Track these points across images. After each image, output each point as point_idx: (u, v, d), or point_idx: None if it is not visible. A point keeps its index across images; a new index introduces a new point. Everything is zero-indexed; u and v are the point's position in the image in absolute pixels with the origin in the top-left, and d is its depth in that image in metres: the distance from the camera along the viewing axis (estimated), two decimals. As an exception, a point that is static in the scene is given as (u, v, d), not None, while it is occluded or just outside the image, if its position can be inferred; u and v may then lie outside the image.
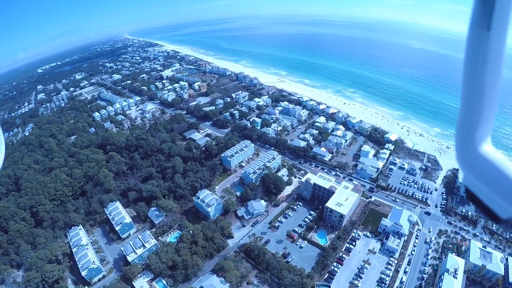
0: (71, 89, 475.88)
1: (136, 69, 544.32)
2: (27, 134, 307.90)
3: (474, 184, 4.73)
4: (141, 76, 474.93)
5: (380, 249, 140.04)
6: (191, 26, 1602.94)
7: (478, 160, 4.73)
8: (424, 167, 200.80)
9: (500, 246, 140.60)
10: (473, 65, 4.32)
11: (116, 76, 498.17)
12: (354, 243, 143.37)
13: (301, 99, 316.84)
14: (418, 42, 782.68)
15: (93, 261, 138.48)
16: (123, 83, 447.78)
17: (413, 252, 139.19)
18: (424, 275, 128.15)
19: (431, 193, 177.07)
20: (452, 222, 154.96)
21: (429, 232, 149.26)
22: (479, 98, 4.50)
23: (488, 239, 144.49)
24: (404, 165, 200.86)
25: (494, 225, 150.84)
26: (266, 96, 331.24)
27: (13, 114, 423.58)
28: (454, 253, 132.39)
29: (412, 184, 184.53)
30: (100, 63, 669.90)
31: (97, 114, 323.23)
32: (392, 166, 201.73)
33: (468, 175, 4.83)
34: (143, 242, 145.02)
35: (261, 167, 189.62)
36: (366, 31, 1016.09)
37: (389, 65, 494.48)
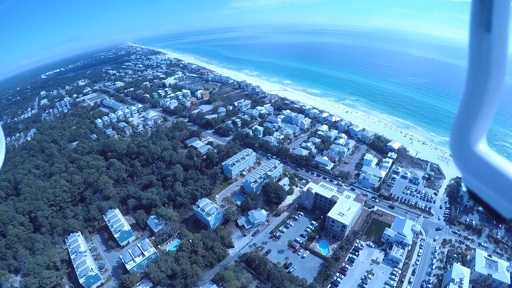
0: (74, 95, 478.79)
1: (139, 77, 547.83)
2: (29, 139, 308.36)
3: (474, 184, 4.68)
4: (144, 83, 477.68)
5: (383, 259, 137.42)
6: (194, 34, 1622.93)
7: (474, 160, 4.71)
8: (427, 176, 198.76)
9: (506, 255, 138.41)
10: (475, 66, 4.34)
11: (119, 83, 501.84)
12: (357, 253, 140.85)
13: (304, 108, 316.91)
14: (420, 50, 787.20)
15: (92, 269, 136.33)
16: (126, 90, 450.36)
17: (417, 262, 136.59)
18: (429, 285, 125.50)
19: (434, 202, 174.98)
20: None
21: (433, 241, 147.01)
22: (480, 98, 4.49)
23: (493, 248, 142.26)
24: (407, 174, 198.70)
25: (499, 233, 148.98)
26: (269, 105, 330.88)
27: (16, 119, 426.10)
28: (459, 263, 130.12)
29: (415, 193, 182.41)
30: (104, 70, 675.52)
31: (99, 120, 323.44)
32: (395, 175, 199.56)
33: (466, 175, 4.79)
34: (142, 250, 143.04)
35: (262, 176, 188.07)
36: (368, 40, 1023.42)
37: (392, 74, 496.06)
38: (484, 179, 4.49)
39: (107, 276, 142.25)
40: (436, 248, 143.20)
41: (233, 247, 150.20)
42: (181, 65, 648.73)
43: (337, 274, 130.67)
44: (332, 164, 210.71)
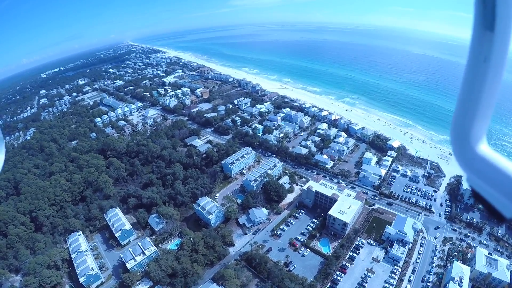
0: (74, 94, 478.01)
1: (139, 75, 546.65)
2: (28, 138, 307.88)
3: (478, 183, 4.74)
4: (144, 82, 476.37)
5: (384, 257, 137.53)
6: (194, 33, 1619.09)
7: (477, 159, 4.76)
8: (427, 174, 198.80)
9: (506, 253, 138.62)
10: (475, 65, 4.35)
11: (119, 82, 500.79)
12: (357, 252, 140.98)
13: (303, 106, 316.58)
14: (420, 48, 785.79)
15: (92, 268, 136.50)
16: (125, 89, 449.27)
17: (417, 260, 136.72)
18: (429, 284, 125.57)
19: (434, 199, 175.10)
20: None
21: (434, 238, 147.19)
22: (478, 98, 4.53)
23: (494, 246, 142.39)
24: (407, 172, 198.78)
25: (500, 231, 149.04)
26: (268, 103, 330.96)
27: (15, 118, 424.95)
28: (459, 261, 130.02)
29: (415, 191, 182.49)
30: (103, 69, 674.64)
31: (98, 119, 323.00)
32: (394, 174, 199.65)
33: (470, 175, 4.85)
34: (143, 249, 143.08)
35: (262, 174, 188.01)
36: (368, 38, 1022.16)
37: (391, 71, 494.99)
38: (487, 179, 4.49)
39: (108, 275, 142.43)
40: (437, 246, 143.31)
41: (234, 245, 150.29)
42: (181, 63, 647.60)
43: (337, 273, 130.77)
44: (332, 162, 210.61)
